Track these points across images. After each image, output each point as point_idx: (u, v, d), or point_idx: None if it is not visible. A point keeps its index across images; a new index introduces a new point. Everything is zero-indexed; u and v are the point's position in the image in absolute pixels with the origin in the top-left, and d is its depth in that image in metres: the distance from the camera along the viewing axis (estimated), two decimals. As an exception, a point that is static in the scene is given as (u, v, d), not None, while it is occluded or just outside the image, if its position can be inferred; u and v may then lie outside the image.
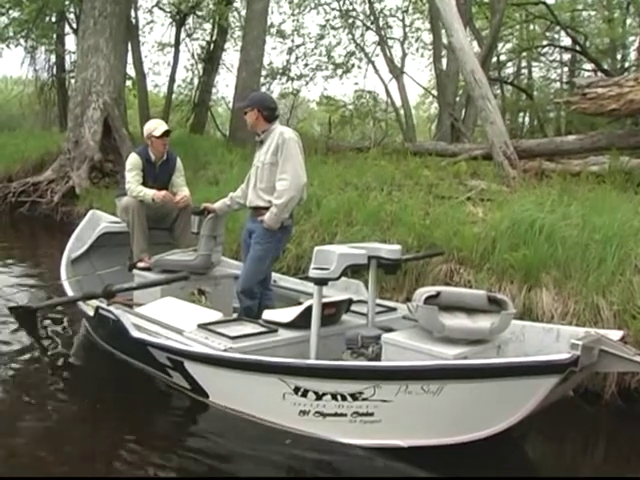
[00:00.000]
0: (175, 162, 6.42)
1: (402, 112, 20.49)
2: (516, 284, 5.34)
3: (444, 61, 18.06)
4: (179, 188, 6.33)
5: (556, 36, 22.19)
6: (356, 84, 24.07)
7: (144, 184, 6.11)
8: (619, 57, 20.71)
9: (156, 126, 6.22)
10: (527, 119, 23.56)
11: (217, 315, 4.76)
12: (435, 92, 21.29)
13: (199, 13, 21.95)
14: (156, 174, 6.24)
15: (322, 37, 22.94)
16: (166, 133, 6.19)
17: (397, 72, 20.89)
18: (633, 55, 21.13)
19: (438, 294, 4.02)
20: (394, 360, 3.89)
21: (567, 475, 3.90)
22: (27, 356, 5.23)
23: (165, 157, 6.31)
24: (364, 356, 4.19)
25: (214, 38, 21.95)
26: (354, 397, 3.65)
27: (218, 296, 5.66)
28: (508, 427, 3.54)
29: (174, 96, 22.72)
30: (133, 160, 6.18)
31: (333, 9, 22.64)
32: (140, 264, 5.88)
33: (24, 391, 4.55)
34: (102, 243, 6.42)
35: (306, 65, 23.09)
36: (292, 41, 22.87)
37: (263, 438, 3.90)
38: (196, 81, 22.83)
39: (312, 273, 4.07)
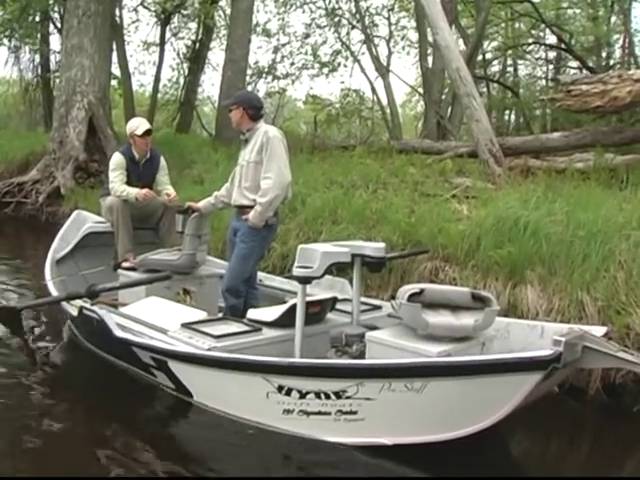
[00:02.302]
0: (159, 160, 6.40)
1: (388, 110, 20.50)
2: (501, 281, 5.36)
3: (430, 59, 18.03)
4: (164, 187, 6.32)
5: (541, 34, 22.21)
6: (342, 83, 24.03)
7: (128, 183, 6.09)
8: (604, 55, 20.75)
9: (138, 125, 6.20)
10: (513, 117, 23.53)
11: (201, 314, 4.75)
12: (421, 90, 21.29)
13: (184, 12, 21.86)
14: (140, 173, 6.22)
15: (308, 36, 22.91)
16: (148, 132, 6.16)
17: (383, 70, 20.89)
18: (618, 53, 21.25)
19: (422, 291, 4.01)
20: (378, 358, 3.89)
21: (553, 475, 3.91)
22: (11, 357, 5.19)
23: (149, 156, 6.29)
24: (348, 354, 4.18)
25: (199, 37, 21.87)
26: (338, 395, 3.64)
27: (203, 295, 5.65)
28: (492, 424, 3.54)
29: (160, 95, 22.64)
30: (116, 159, 6.15)
31: (319, 8, 22.59)
32: (125, 264, 5.86)
33: (6, 392, 4.52)
34: (87, 243, 6.39)
35: (292, 64, 23.07)
36: (278, 40, 22.86)
37: (247, 437, 3.88)
38: (182, 80, 22.76)
39: (296, 272, 4.07)
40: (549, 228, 5.58)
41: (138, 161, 6.22)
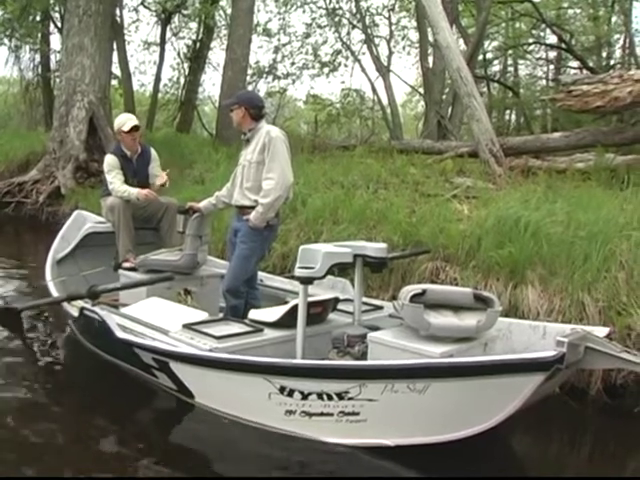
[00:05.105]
0: (150, 153, 6.42)
1: (389, 110, 20.44)
2: (502, 281, 5.35)
3: (430, 59, 18.04)
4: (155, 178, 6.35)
5: (542, 34, 22.23)
6: (343, 82, 23.99)
7: (125, 181, 6.09)
8: (604, 55, 20.78)
9: (125, 121, 6.20)
10: (513, 116, 23.61)
11: (203, 315, 4.74)
12: (422, 90, 21.28)
13: (185, 12, 21.82)
14: (135, 169, 6.25)
15: (308, 35, 22.86)
16: (135, 128, 6.16)
17: (384, 70, 20.85)
18: (618, 53, 21.26)
19: (424, 292, 4.00)
20: (380, 359, 3.88)
21: (555, 475, 3.91)
22: (11, 358, 5.18)
23: (140, 150, 6.30)
24: (350, 355, 4.18)
25: (200, 37, 21.86)
26: (340, 396, 3.64)
27: (204, 296, 5.63)
28: (495, 425, 3.54)
29: (160, 95, 22.60)
30: (109, 161, 6.15)
31: (319, 7, 22.56)
32: (126, 264, 5.84)
33: (8, 393, 4.51)
34: (87, 243, 6.38)
35: (292, 64, 23.03)
36: (278, 40, 22.79)
37: (249, 438, 3.88)
38: (182, 80, 22.72)
39: (297, 272, 4.06)
40: (550, 228, 5.58)
41: (130, 157, 6.23)
